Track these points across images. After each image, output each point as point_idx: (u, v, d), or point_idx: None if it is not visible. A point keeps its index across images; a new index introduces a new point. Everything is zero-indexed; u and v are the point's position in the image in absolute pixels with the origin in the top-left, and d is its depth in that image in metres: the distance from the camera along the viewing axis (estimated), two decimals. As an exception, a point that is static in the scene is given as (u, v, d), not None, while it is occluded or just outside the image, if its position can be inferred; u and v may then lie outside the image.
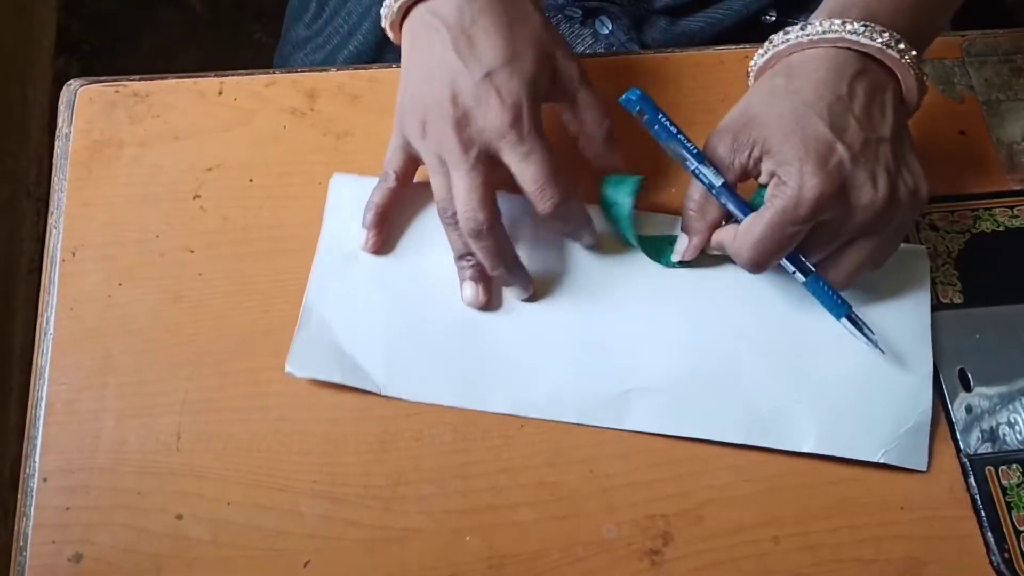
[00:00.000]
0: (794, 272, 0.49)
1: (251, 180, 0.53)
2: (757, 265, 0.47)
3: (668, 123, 0.48)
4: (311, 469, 0.47)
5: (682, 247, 0.51)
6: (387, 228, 0.51)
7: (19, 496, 0.46)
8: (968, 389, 0.50)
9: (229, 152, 0.54)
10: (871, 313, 0.51)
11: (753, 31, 0.64)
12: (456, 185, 0.47)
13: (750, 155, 0.47)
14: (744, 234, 0.47)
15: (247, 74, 0.56)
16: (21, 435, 0.48)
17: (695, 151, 0.48)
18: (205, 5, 1.43)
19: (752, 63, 0.51)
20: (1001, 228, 0.54)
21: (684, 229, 0.51)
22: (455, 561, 0.46)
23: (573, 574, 0.46)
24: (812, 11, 0.51)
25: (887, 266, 0.50)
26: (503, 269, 0.49)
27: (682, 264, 0.51)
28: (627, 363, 0.49)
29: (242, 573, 0.45)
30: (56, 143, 0.54)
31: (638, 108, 0.49)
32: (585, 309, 0.51)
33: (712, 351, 0.50)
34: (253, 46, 1.40)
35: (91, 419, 0.48)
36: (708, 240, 0.50)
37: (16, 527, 0.46)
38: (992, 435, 0.49)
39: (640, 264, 0.52)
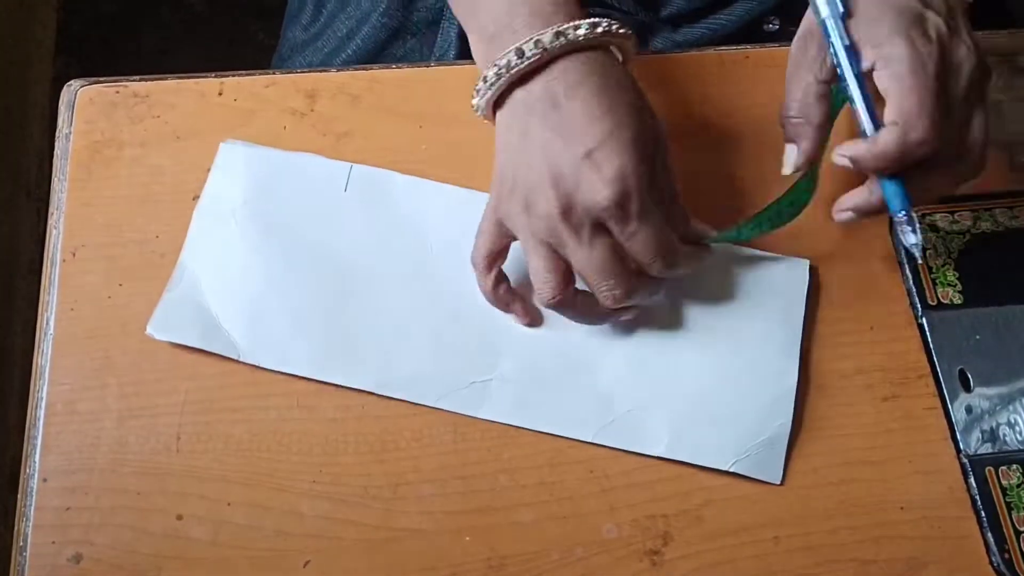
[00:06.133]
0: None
1: (251, 180, 0.53)
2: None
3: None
4: (311, 469, 0.47)
5: (792, 158, 0.48)
6: (507, 287, 0.50)
7: (19, 496, 0.46)
8: (968, 389, 0.50)
9: (229, 152, 0.54)
10: (742, 321, 0.50)
11: (755, 39, 0.63)
12: (580, 267, 0.46)
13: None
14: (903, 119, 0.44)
15: (247, 74, 0.56)
16: (21, 435, 0.48)
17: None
18: (205, 5, 1.43)
19: None
20: (1001, 228, 0.54)
21: (790, 138, 0.49)
22: (455, 561, 0.46)
23: (573, 574, 0.46)
24: None
25: (765, 277, 0.51)
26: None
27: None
28: (491, 351, 0.50)
29: (242, 573, 0.45)
30: (56, 143, 0.54)
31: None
32: (453, 292, 0.51)
33: (575, 347, 0.50)
34: (253, 46, 1.40)
35: (91, 419, 0.48)
36: (818, 145, 0.48)
37: (16, 527, 0.46)
38: (992, 435, 0.49)
39: (514, 254, 0.50)
